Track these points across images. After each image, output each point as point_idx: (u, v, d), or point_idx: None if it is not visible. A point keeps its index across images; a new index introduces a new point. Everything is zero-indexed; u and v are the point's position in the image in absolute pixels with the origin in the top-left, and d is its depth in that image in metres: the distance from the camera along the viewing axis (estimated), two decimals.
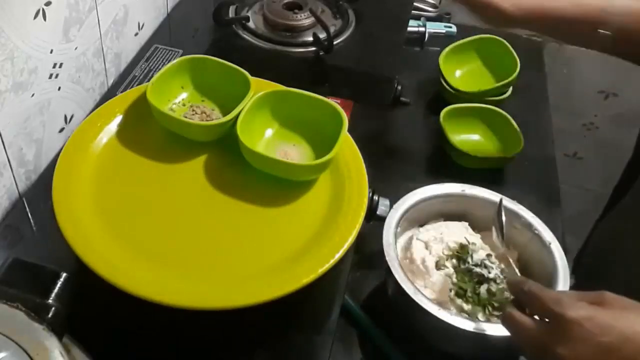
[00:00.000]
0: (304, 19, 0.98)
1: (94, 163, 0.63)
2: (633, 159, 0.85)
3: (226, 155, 0.65)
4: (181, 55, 0.95)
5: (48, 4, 0.71)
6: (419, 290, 0.64)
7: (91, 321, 0.54)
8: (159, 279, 0.54)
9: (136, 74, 0.91)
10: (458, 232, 0.73)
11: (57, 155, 0.63)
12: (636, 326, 0.48)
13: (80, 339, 0.46)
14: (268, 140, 0.68)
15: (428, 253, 0.70)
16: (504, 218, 0.69)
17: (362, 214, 0.61)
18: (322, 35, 0.94)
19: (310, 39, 0.96)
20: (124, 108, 0.68)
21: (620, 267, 0.71)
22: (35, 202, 0.74)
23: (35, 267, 0.45)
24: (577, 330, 0.48)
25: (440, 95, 1.00)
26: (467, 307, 0.66)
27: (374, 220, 0.69)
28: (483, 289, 0.67)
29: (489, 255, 0.71)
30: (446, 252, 0.71)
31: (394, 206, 0.70)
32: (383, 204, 0.69)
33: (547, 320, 0.51)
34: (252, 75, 0.72)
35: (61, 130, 0.81)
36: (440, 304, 0.64)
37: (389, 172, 0.88)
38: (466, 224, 0.74)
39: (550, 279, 0.66)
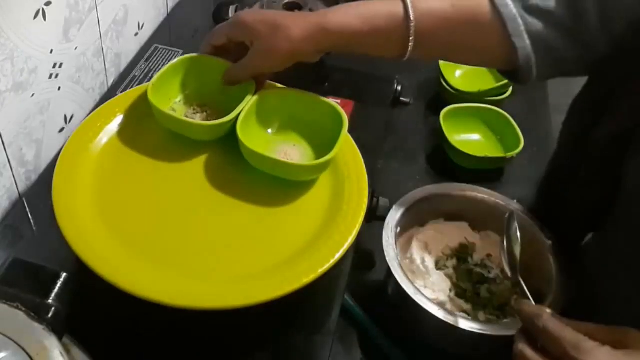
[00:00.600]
0: None
1: (94, 163, 0.63)
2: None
3: (226, 155, 0.65)
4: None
5: (48, 4, 0.71)
6: (419, 290, 0.64)
7: (91, 321, 0.54)
8: (159, 279, 0.54)
9: (136, 74, 0.91)
10: (458, 232, 0.73)
11: (57, 155, 0.63)
12: None
13: (80, 339, 0.46)
14: (268, 140, 0.68)
15: (428, 253, 0.70)
16: (518, 235, 0.61)
17: (362, 214, 0.61)
18: None
19: None
20: (124, 108, 0.68)
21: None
22: (35, 202, 0.74)
23: (35, 267, 0.45)
24: None
25: (440, 95, 1.00)
26: (467, 307, 0.66)
27: (374, 220, 0.69)
28: (483, 289, 0.67)
29: (489, 255, 0.71)
30: (446, 252, 0.71)
31: (394, 206, 0.70)
32: (383, 204, 0.69)
33: None
34: None
35: (61, 130, 0.81)
36: (440, 304, 0.64)
37: (389, 172, 0.88)
38: (466, 224, 0.74)
39: (550, 279, 0.66)
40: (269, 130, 0.68)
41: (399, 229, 0.70)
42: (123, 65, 0.94)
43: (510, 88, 0.98)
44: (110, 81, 0.91)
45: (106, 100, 0.69)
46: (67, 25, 0.76)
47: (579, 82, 0.68)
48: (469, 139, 0.92)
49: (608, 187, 0.61)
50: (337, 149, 0.61)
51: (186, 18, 1.07)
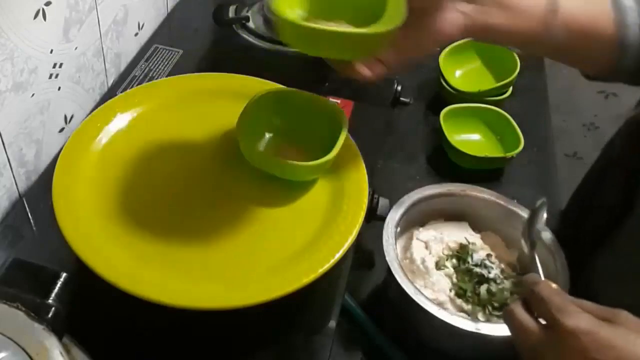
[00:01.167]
0: None
1: (94, 163, 0.63)
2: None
3: (226, 155, 0.65)
4: (181, 56, 0.95)
5: (48, 4, 0.71)
6: (419, 290, 0.64)
7: (91, 321, 0.54)
8: (159, 279, 0.54)
9: (136, 74, 0.91)
10: (458, 232, 0.73)
11: (57, 155, 0.63)
12: (638, 351, 0.44)
13: (80, 339, 0.46)
14: (268, 140, 0.68)
15: (428, 253, 0.70)
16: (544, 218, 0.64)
17: (362, 214, 0.61)
18: None
19: None
20: (124, 108, 0.68)
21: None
22: (35, 202, 0.74)
23: (35, 267, 0.45)
24: (571, 341, 0.45)
25: (440, 95, 1.00)
26: (467, 307, 0.66)
27: (373, 220, 0.69)
28: (483, 289, 0.67)
29: (489, 255, 0.71)
30: (446, 252, 0.71)
31: (394, 206, 0.70)
32: (383, 204, 0.69)
33: (546, 325, 0.49)
34: (252, 75, 0.72)
35: (61, 130, 0.81)
36: (440, 304, 0.64)
37: (389, 172, 0.88)
38: (466, 224, 0.74)
39: (549, 279, 0.66)
40: (269, 130, 0.68)
41: (399, 229, 0.70)
42: (123, 65, 0.94)
43: (510, 88, 0.98)
44: (110, 81, 0.91)
45: (106, 100, 0.69)
46: (67, 25, 0.76)
47: (579, 82, 0.67)
48: (469, 139, 0.92)
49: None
50: (337, 149, 0.61)
51: (186, 18, 1.07)
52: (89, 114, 0.69)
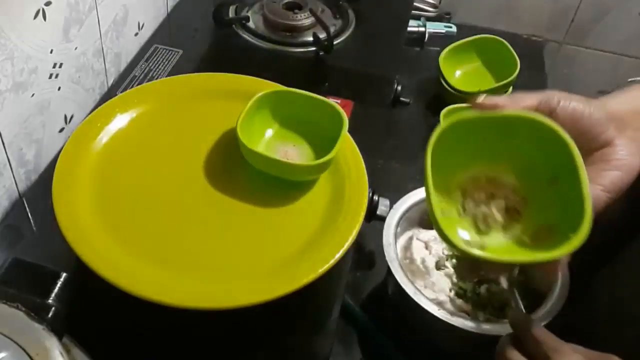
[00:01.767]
0: (304, 19, 0.98)
1: (94, 163, 0.63)
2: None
3: (226, 155, 0.65)
4: (181, 56, 0.95)
5: (48, 4, 0.71)
6: (419, 290, 0.64)
7: (91, 321, 0.54)
8: (159, 279, 0.54)
9: (136, 74, 0.91)
10: None
11: (57, 155, 0.63)
12: None
13: (80, 339, 0.46)
14: (268, 140, 0.68)
15: (428, 253, 0.70)
16: None
17: (362, 214, 0.61)
18: (322, 35, 0.94)
19: (310, 39, 0.96)
20: (124, 108, 0.68)
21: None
22: (35, 202, 0.74)
23: (35, 267, 0.45)
24: None
25: (440, 95, 1.00)
26: (467, 307, 0.66)
27: (374, 220, 0.69)
28: (483, 289, 0.67)
29: None
30: (446, 252, 0.71)
31: (394, 206, 0.70)
32: (383, 204, 0.69)
33: None
34: (252, 75, 0.72)
35: (61, 130, 0.81)
36: (440, 304, 0.64)
37: (389, 172, 0.88)
38: None
39: (549, 285, 0.66)
40: (269, 130, 0.68)
41: (399, 229, 0.70)
42: (123, 65, 0.94)
43: (511, 88, 0.98)
44: (110, 81, 0.91)
45: (106, 100, 0.69)
46: (67, 25, 0.76)
47: (579, 82, 0.67)
48: None
49: None
50: (337, 149, 0.61)
51: (186, 18, 1.07)
52: (89, 114, 0.69)
